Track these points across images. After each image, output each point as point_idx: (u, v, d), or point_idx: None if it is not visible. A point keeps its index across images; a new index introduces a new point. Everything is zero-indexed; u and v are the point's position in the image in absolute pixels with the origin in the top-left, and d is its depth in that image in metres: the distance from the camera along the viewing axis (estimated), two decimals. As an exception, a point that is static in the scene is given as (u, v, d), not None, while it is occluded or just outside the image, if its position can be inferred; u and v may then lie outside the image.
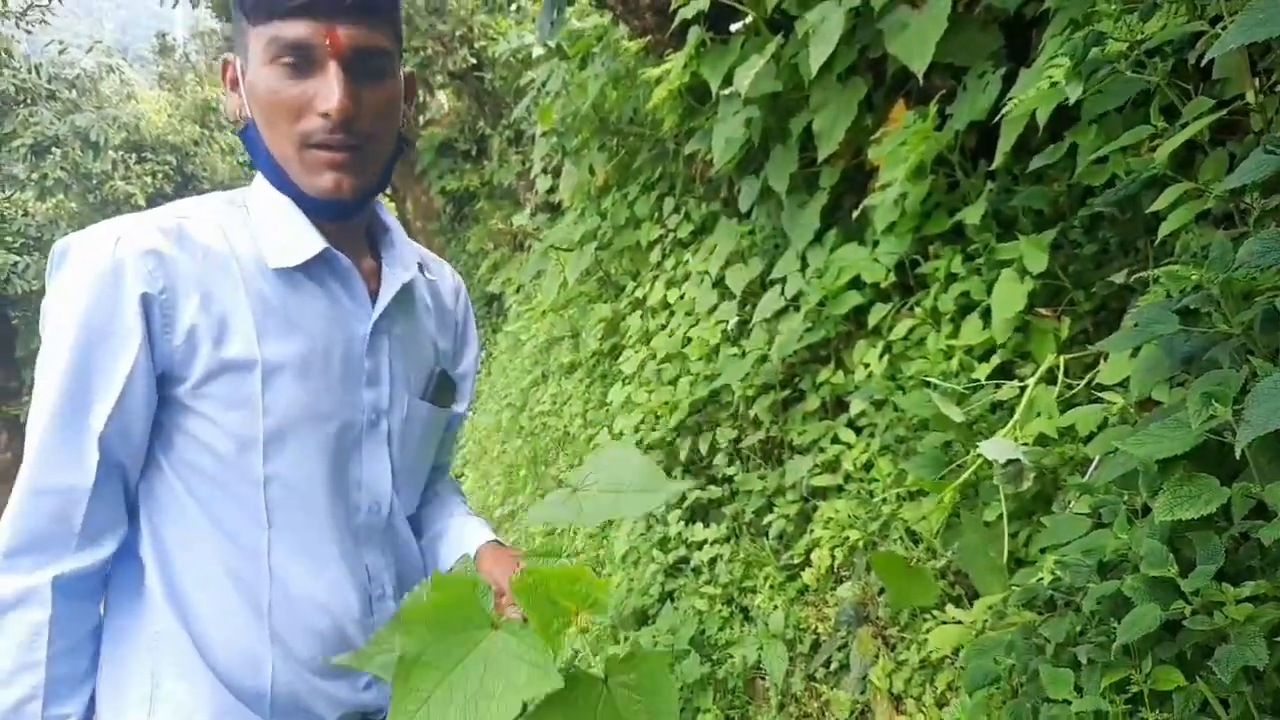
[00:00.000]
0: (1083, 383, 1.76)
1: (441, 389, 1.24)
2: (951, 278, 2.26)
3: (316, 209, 1.06)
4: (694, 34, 2.82)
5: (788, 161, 2.73)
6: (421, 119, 9.24)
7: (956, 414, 1.82)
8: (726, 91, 2.75)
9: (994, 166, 2.12)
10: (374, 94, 1.02)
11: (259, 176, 1.10)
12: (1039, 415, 1.68)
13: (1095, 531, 1.25)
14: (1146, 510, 1.25)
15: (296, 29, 0.97)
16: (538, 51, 6.95)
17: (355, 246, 1.14)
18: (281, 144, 1.02)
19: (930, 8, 2.19)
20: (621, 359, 3.71)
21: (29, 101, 10.63)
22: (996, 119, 2.12)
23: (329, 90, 0.98)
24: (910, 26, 2.23)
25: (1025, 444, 1.70)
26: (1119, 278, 1.87)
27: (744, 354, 2.87)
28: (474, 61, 7.86)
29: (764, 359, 2.69)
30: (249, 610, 1.06)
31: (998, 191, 2.14)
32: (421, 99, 8.98)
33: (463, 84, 8.21)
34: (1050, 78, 1.59)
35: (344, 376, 1.09)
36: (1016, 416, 1.75)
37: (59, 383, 0.96)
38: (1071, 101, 1.51)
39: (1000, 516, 1.75)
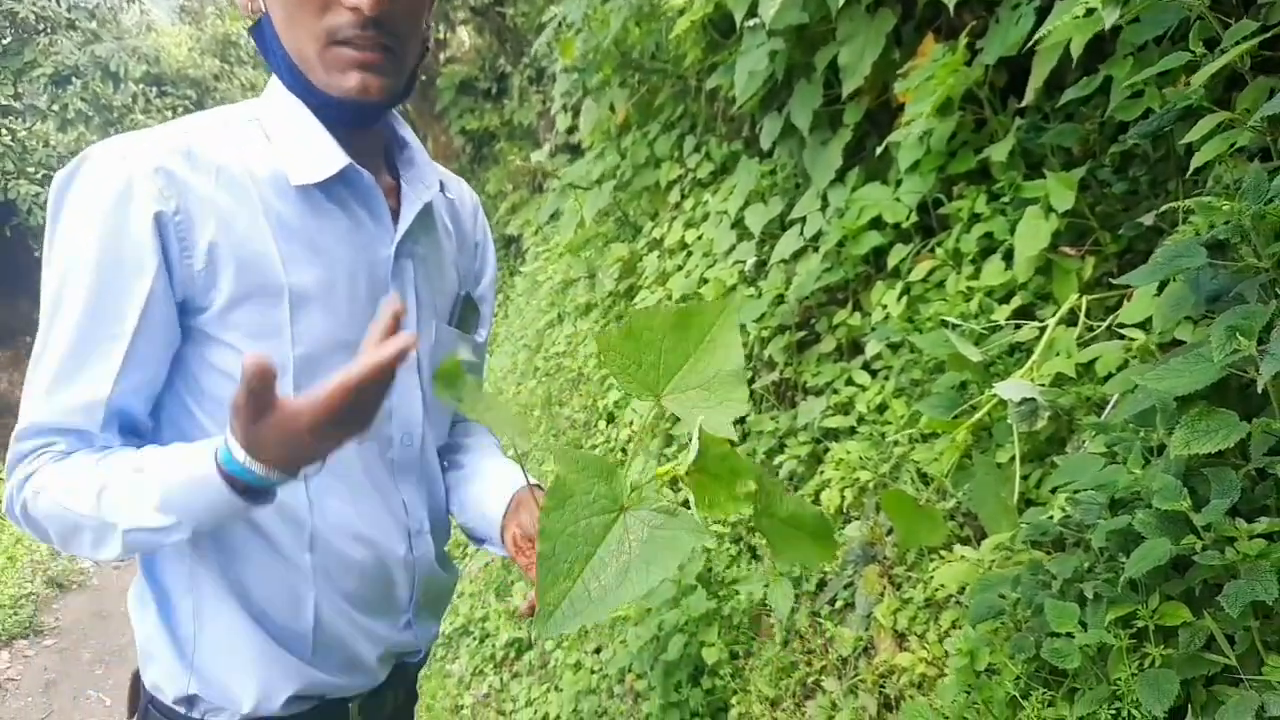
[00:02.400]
0: (1104, 324, 1.72)
1: (466, 313, 1.21)
2: (975, 218, 2.21)
3: (338, 115, 1.00)
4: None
5: (812, 97, 2.66)
6: (442, 56, 9.10)
7: (974, 354, 1.79)
8: (751, 23, 2.67)
9: (1025, 103, 2.06)
10: None
11: (270, 86, 1.05)
12: (1058, 355, 1.65)
13: (1109, 468, 1.23)
14: (1163, 449, 1.23)
15: None
16: (560, -15, 6.79)
17: (374, 161, 1.08)
18: (302, 41, 0.95)
19: (965, -66, 2.11)
20: (637, 299, 3.68)
21: (49, 30, 10.55)
22: (1027, 53, 2.06)
23: None
24: (943, -46, 2.14)
25: (1042, 384, 1.68)
26: (1147, 219, 1.82)
27: (760, 295, 2.84)
28: (496, -4, 7.70)
29: (780, 300, 2.65)
30: (291, 544, 1.03)
31: (1026, 129, 2.08)
32: (442, 35, 8.83)
33: (484, 20, 8.07)
34: (1086, 3, 1.53)
35: (369, 302, 1.04)
36: (1035, 357, 1.72)
37: (77, 306, 0.91)
38: (1108, 26, 1.45)
39: (1012, 459, 1.74)
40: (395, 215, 1.08)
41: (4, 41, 10.24)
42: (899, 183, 2.49)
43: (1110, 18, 1.43)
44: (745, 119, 3.64)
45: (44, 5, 10.42)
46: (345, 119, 1.01)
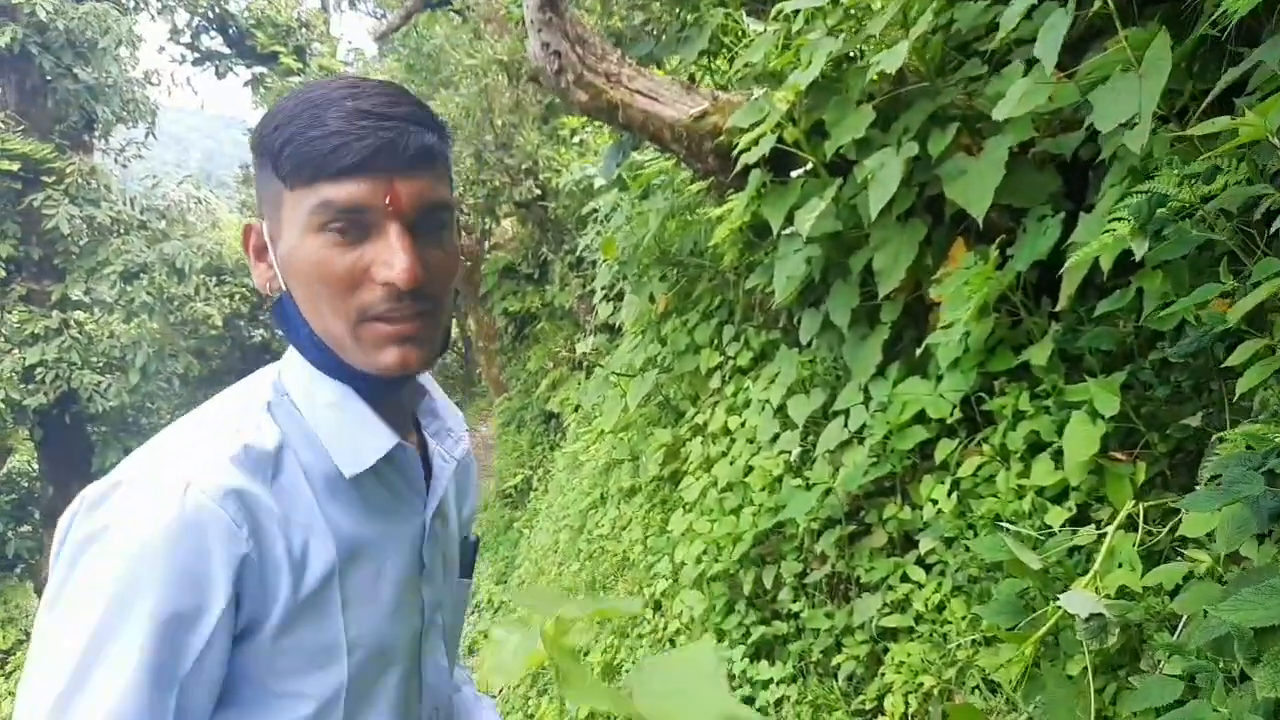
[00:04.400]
0: (1165, 530, 1.72)
1: (468, 557, 1.13)
2: (1019, 415, 2.25)
3: (373, 389, 0.92)
4: (755, 176, 2.95)
5: (849, 296, 2.79)
6: (487, 244, 9.64)
7: (1033, 560, 1.78)
8: (788, 231, 2.85)
9: (1058, 309, 2.14)
10: (437, 253, 0.89)
11: (290, 357, 0.94)
12: (1120, 566, 1.64)
13: (1192, 703, 1.20)
14: (1244, 677, 1.21)
15: (349, 190, 0.82)
16: (599, 182, 7.28)
17: (403, 420, 1.00)
18: (331, 320, 0.87)
19: (988, 155, 2.27)
20: (682, 485, 3.71)
21: (122, 232, 11.39)
22: (1058, 259, 2.17)
23: (391, 256, 0.83)
24: (969, 173, 2.31)
25: (1107, 596, 1.66)
26: (1193, 421, 1.85)
27: (808, 485, 2.86)
28: (538, 192, 8.23)
29: (829, 492, 2.67)
30: None
31: (1063, 331, 2.16)
32: (488, 226, 9.39)
33: (527, 212, 8.58)
34: (1113, 229, 1.63)
35: (406, 582, 0.97)
36: (1096, 566, 1.71)
37: (127, 663, 0.76)
38: (1138, 257, 1.55)
39: (1084, 671, 1.69)
40: (426, 475, 1.01)
41: (81, 243, 11.04)
42: (939, 378, 2.56)
43: (1140, 249, 1.53)
44: (783, 310, 3.79)
45: (119, 209, 11.30)
46: (380, 392, 0.93)
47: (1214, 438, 1.48)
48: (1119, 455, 1.83)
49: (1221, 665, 1.22)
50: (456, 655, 1.11)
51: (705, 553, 3.18)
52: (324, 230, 0.84)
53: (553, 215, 8.21)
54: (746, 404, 3.69)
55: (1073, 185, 2.44)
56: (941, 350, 2.45)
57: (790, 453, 3.04)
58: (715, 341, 4.12)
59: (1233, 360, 1.38)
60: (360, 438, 0.91)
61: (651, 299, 4.58)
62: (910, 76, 2.64)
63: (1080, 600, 1.62)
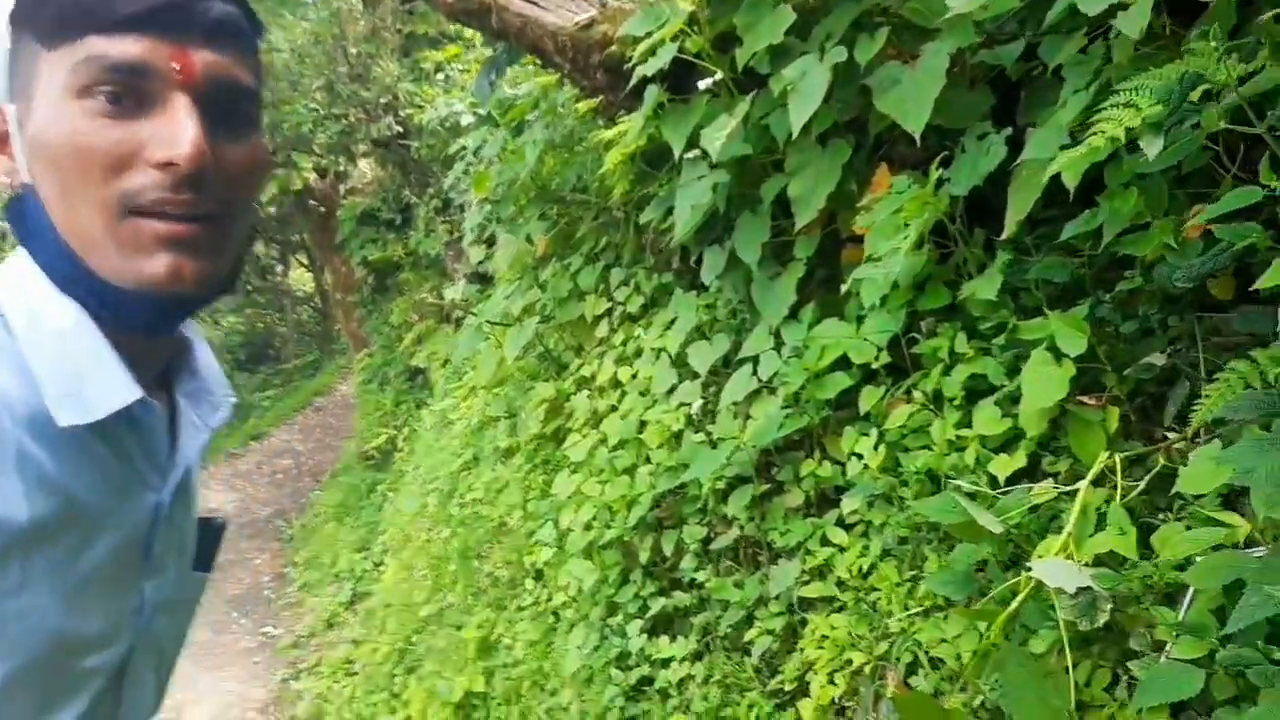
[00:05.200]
0: (1141, 483, 1.50)
1: (208, 545, 0.91)
2: (956, 358, 2.01)
3: (127, 319, 0.72)
4: (652, 93, 2.58)
5: (759, 229, 2.48)
6: (342, 188, 8.86)
7: (994, 524, 1.54)
8: (691, 155, 2.50)
9: (1006, 235, 1.90)
10: (236, 150, 0.72)
11: (12, 266, 0.74)
12: (1106, 528, 1.40)
13: (1253, 711, 0.96)
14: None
15: (127, 46, 0.66)
16: (467, 120, 6.72)
17: (151, 371, 0.79)
18: (84, 214, 0.68)
19: (926, 62, 1.99)
20: (567, 444, 3.36)
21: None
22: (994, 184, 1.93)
23: (175, 130, 0.66)
24: (903, 83, 2.02)
25: (1085, 563, 1.43)
26: (1158, 359, 1.65)
27: (713, 442, 2.56)
28: (399, 129, 7.57)
29: (738, 448, 2.38)
30: None
31: (1005, 263, 1.92)
32: (343, 167, 8.61)
33: (387, 152, 7.90)
34: (1103, 131, 1.37)
35: (120, 573, 0.76)
36: (1069, 528, 1.48)
37: None
38: (1152, 156, 1.29)
39: (1055, 649, 1.47)
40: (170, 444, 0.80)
41: None
42: (860, 318, 2.30)
43: (1154, 149, 1.27)
44: (675, 250, 3.46)
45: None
46: (137, 322, 0.72)
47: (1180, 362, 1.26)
48: (1087, 400, 1.60)
49: (1276, 656, 0.98)
50: (169, 677, 0.88)
51: (596, 518, 2.85)
52: (89, 94, 0.66)
53: (416, 155, 7.58)
54: (638, 353, 3.36)
55: (1000, 106, 2.20)
56: (867, 288, 2.18)
57: (691, 405, 2.74)
58: (601, 287, 3.76)
59: (1266, 281, 1.14)
60: (92, 381, 0.69)
61: (529, 241, 4.17)
62: (832, -23, 2.33)
63: (1059, 570, 1.38)
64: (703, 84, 2.37)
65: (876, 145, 2.33)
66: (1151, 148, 1.28)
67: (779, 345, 2.48)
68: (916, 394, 2.08)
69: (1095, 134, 1.38)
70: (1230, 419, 1.23)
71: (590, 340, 3.80)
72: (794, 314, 2.47)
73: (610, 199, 3.62)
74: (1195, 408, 1.55)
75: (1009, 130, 1.95)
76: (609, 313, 3.66)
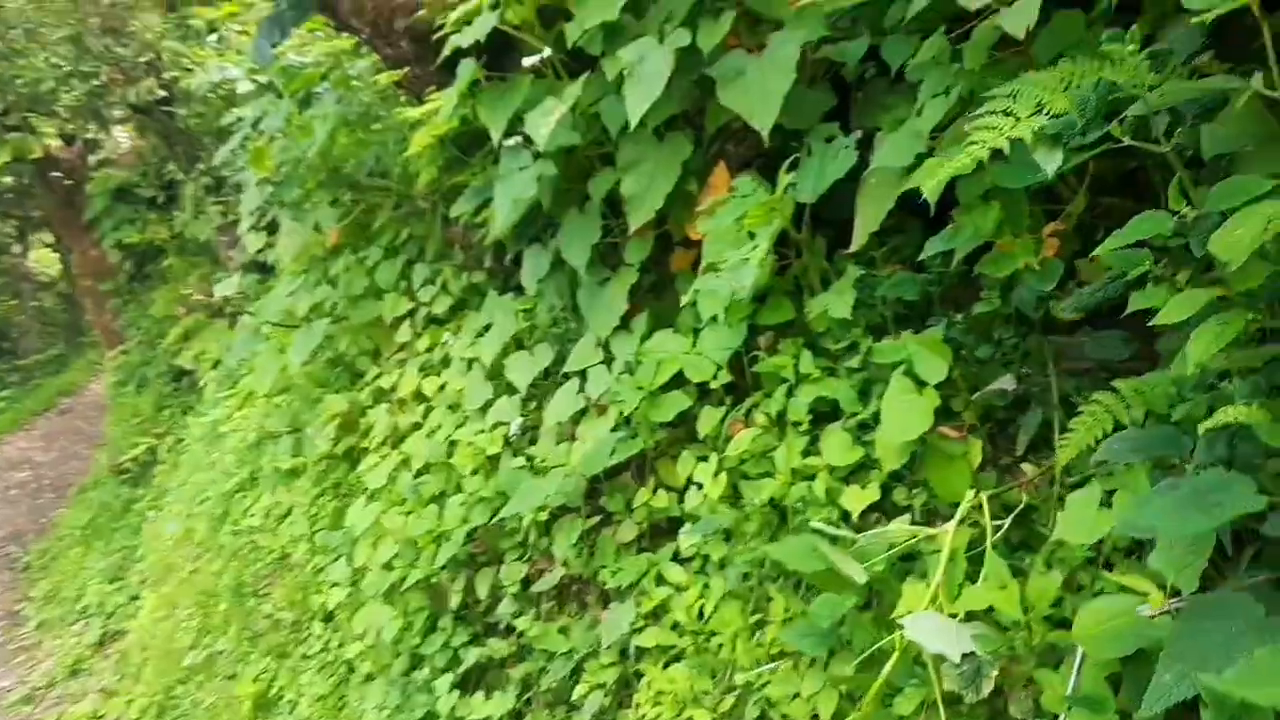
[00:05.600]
0: (1003, 524, 1.39)
1: None
2: (802, 378, 1.85)
3: None
4: (467, 69, 2.26)
5: (587, 230, 2.23)
6: (93, 158, 7.70)
7: (859, 573, 1.37)
8: (511, 142, 2.21)
9: (855, 247, 1.76)
10: None
11: None
12: (983, 580, 1.27)
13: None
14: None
15: None
16: (244, 87, 6.00)
17: None
18: None
19: (773, 53, 1.82)
20: (363, 466, 2.95)
21: None
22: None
23: None
24: (748, 75, 1.84)
25: (955, 616, 1.29)
26: (1007, 383, 1.56)
27: (534, 467, 2.29)
28: (163, 94, 6.65)
29: (565, 477, 2.12)
30: None
31: (856, 279, 1.78)
32: (94, 134, 7.48)
33: (148, 119, 6.93)
34: (982, 142, 1.22)
35: None
36: (938, 577, 1.33)
37: None
38: (1051, 175, 1.15)
39: (924, 708, 1.33)
40: None
41: None
42: (697, 331, 2.11)
43: (1051, 164, 1.13)
44: (487, 246, 3.14)
45: None
46: None
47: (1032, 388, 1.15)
48: (949, 431, 1.48)
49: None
50: None
51: (398, 555, 2.49)
52: None
53: (183, 125, 6.69)
54: (446, 362, 3.01)
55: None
56: (707, 300, 1.99)
57: (509, 425, 2.44)
58: (403, 285, 3.37)
59: (1168, 317, 1.02)
60: None
61: (318, 230, 3.68)
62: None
63: (935, 630, 1.23)
64: (527, 61, 2.08)
65: (713, 141, 2.15)
66: (1049, 161, 1.15)
67: (609, 359, 2.24)
68: (759, 416, 1.91)
69: (972, 144, 1.24)
70: (1111, 460, 1.12)
71: (389, 345, 3.40)
72: (625, 324, 2.24)
73: (414, 186, 3.23)
74: (1056, 438, 1.46)
75: (858, 134, 1.81)
76: (411, 314, 3.28)
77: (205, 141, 6.56)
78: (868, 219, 1.71)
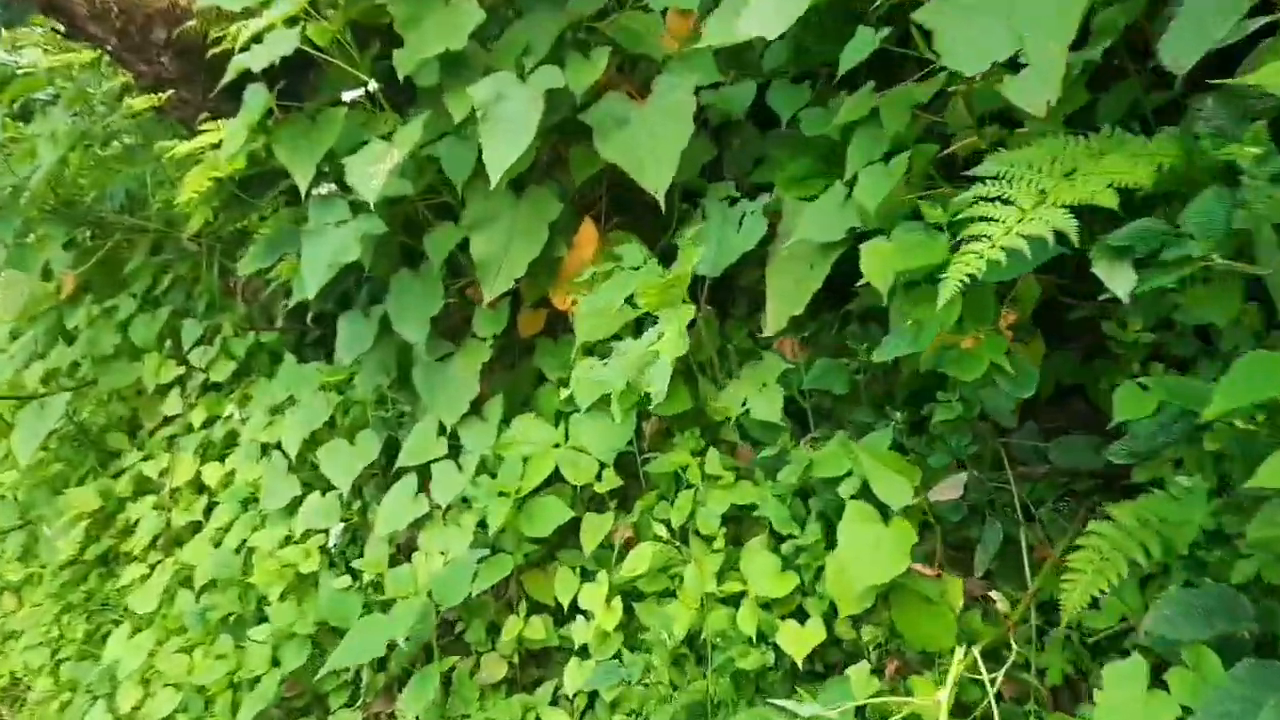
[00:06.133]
0: (996, 678, 1.18)
1: None
2: (710, 479, 1.58)
3: None
4: (257, 97, 1.78)
5: (425, 298, 1.83)
6: None
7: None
8: (322, 190, 1.76)
9: (770, 332, 1.51)
10: None
11: None
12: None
13: None
14: None
15: None
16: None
17: None
18: None
19: (663, 100, 1.53)
20: (126, 579, 2.34)
21: None
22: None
23: None
24: (633, 124, 1.53)
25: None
26: (953, 486, 1.37)
27: (364, 589, 1.85)
28: None
29: (416, 610, 1.70)
30: None
31: (780, 374, 1.53)
32: None
33: None
34: (990, 242, 1.00)
35: None
36: (931, 756, 1.10)
37: None
38: (1124, 297, 0.93)
39: None
40: None
41: None
42: (562, 414, 1.78)
43: (1122, 286, 0.92)
44: (276, 296, 2.62)
45: None
46: None
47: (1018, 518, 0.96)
48: (923, 570, 1.25)
49: None
50: None
51: (184, 708, 1.94)
52: None
53: None
54: (231, 441, 2.47)
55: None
56: (584, 387, 1.66)
57: (327, 533, 1.98)
58: (166, 343, 2.76)
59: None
60: None
61: (48, 275, 2.95)
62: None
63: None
64: (347, 96, 1.65)
65: (582, 194, 1.83)
66: (1119, 281, 0.93)
67: (456, 451, 1.86)
68: (656, 526, 1.61)
69: (974, 240, 1.01)
70: (1169, 636, 0.93)
71: (151, 417, 2.77)
72: (475, 409, 1.86)
73: (180, 227, 2.64)
74: (1025, 559, 1.29)
75: (766, 199, 1.57)
76: (181, 381, 2.68)
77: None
78: (786, 300, 1.46)
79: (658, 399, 1.41)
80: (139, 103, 1.95)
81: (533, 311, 1.95)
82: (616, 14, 1.74)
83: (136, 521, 2.46)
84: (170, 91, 1.95)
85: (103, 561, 2.57)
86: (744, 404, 1.49)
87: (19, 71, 3.15)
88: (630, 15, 1.71)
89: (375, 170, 1.56)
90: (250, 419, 2.36)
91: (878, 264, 1.23)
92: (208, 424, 2.55)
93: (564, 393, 1.76)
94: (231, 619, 2.02)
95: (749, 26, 1.12)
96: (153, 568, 2.32)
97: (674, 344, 1.39)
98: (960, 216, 1.05)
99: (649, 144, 1.50)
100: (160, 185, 2.50)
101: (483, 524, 1.73)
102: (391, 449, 1.98)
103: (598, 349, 1.66)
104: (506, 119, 1.50)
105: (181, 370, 2.68)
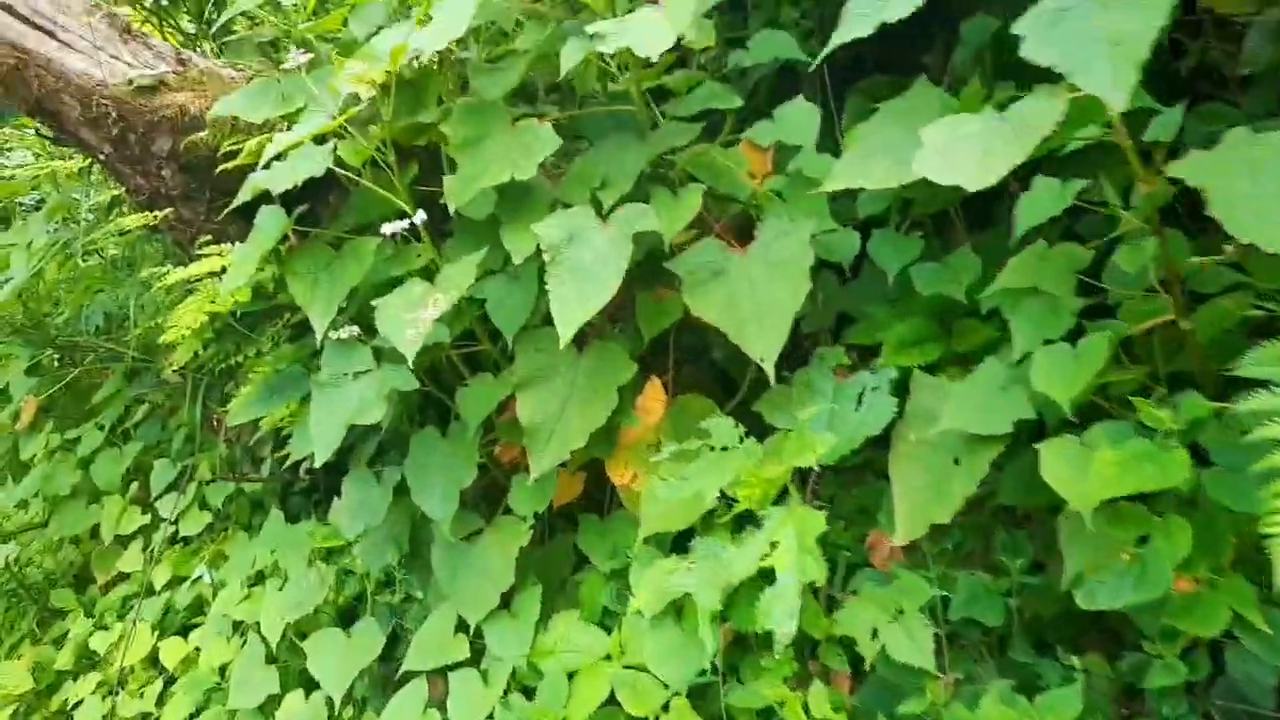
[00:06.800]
0: None
1: None
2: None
3: None
4: (272, 220, 1.51)
5: (455, 465, 1.51)
6: None
7: None
8: (341, 334, 1.47)
9: (901, 542, 1.20)
10: None
11: None
12: None
13: None
14: None
15: None
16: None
17: None
18: None
19: (772, 250, 1.27)
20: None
21: None
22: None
23: None
24: (730, 276, 1.27)
25: None
26: None
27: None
28: None
29: None
30: None
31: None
32: None
33: None
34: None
35: None
36: None
37: None
38: None
39: None
40: None
41: None
42: (610, 615, 1.45)
43: None
44: (264, 440, 2.30)
45: None
46: None
47: None
48: None
49: None
50: None
51: None
52: None
53: None
54: (197, 610, 2.09)
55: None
56: (650, 590, 1.33)
57: (314, 748, 1.59)
58: (129, 484, 2.40)
59: None
60: None
61: (6, 398, 2.62)
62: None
63: None
64: (389, 229, 1.38)
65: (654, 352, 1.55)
66: None
67: (479, 659, 1.50)
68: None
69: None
70: None
71: (104, 571, 2.38)
72: (506, 604, 1.52)
73: (161, 357, 2.33)
74: None
75: (893, 373, 1.29)
76: (144, 532, 2.31)
77: None
78: (923, 501, 1.17)
79: (783, 641, 1.08)
80: (131, 220, 1.68)
81: (571, 476, 1.65)
82: (698, 146, 1.50)
83: (74, 703, 2.04)
84: (168, 210, 1.68)
85: (30, 755, 2.13)
86: (874, 636, 1.16)
87: (3, 175, 2.91)
88: (716, 149, 1.48)
89: (415, 319, 1.28)
90: (224, 586, 1.99)
91: (1076, 478, 0.94)
92: (171, 584, 2.18)
93: (614, 589, 1.45)
94: None
95: (938, 172, 0.87)
96: (89, 773, 1.90)
97: (799, 563, 1.07)
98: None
99: (752, 302, 1.23)
100: (142, 310, 2.20)
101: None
102: (395, 642, 1.63)
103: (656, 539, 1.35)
104: (583, 267, 1.23)
105: (146, 519, 2.32)
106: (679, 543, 1.39)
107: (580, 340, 1.46)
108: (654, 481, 1.35)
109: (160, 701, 1.93)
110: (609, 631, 1.44)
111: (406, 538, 1.65)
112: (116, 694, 2.02)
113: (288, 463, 1.80)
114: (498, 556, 1.51)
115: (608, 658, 1.40)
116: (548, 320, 1.41)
